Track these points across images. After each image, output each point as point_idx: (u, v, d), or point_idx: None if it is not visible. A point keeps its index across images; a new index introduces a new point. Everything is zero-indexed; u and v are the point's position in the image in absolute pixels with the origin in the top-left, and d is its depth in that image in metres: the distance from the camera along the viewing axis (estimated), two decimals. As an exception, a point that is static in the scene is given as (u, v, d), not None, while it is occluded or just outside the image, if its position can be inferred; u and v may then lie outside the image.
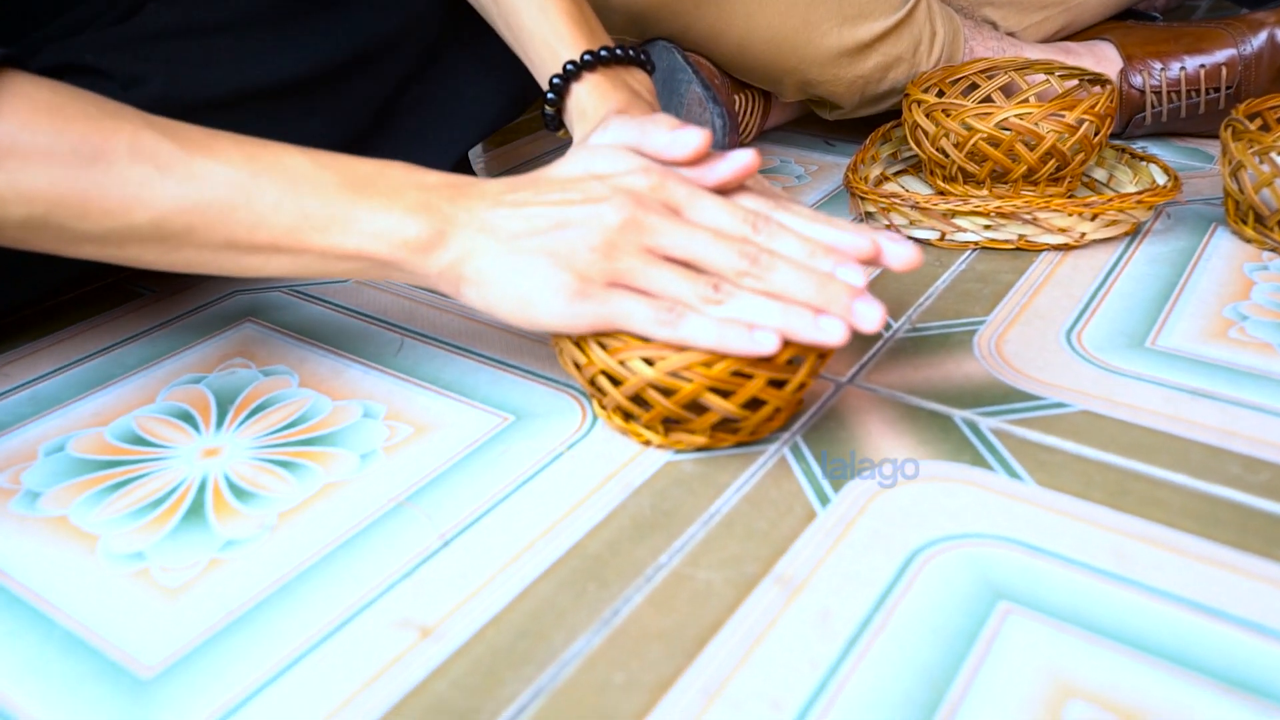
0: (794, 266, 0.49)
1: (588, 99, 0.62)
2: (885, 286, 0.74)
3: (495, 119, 0.76)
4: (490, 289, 0.50)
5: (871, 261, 0.51)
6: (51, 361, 0.66)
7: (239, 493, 0.52)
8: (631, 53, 0.65)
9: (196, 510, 0.50)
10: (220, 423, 0.58)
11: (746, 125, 0.96)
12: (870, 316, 0.47)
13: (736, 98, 0.93)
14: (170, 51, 0.65)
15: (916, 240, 0.79)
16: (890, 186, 0.89)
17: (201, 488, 0.52)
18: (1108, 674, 0.40)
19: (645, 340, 0.49)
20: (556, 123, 0.65)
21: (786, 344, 0.48)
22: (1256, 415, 0.57)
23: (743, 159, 0.52)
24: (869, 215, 0.83)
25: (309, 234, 0.50)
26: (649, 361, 0.48)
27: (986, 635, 0.42)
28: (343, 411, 0.59)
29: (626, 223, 0.49)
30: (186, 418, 0.59)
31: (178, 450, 0.55)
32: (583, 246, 0.48)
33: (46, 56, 0.65)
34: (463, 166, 0.79)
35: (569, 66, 0.63)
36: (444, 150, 0.75)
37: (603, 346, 0.50)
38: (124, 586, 0.46)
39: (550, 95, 0.64)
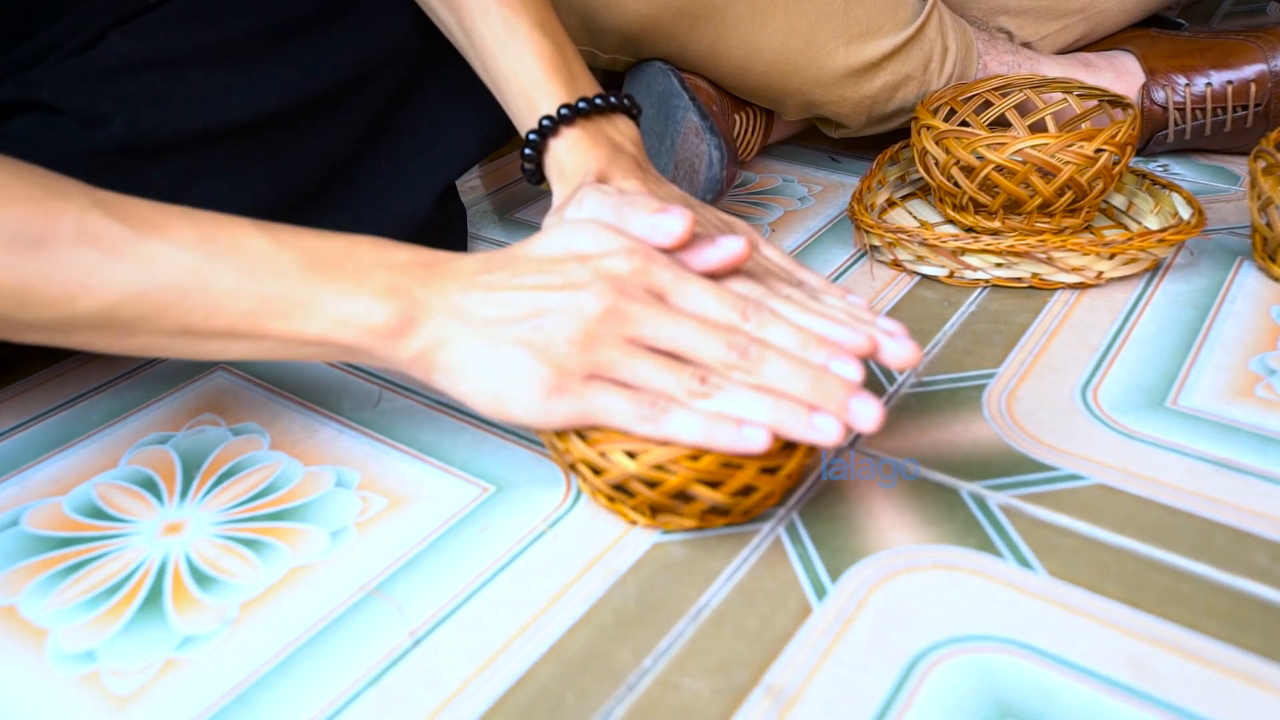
0: (786, 359, 0.47)
1: (566, 156, 0.60)
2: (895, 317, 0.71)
3: (479, 150, 0.74)
4: (462, 380, 0.48)
5: (868, 357, 0.48)
6: (13, 416, 0.64)
7: (200, 578, 0.49)
8: (614, 100, 0.62)
9: (154, 600, 0.48)
10: (185, 492, 0.56)
11: (748, 144, 0.94)
12: (867, 415, 0.45)
13: (736, 117, 0.91)
14: (133, 87, 0.63)
15: (925, 276, 0.77)
16: (897, 213, 0.87)
17: (161, 571, 0.50)
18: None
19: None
20: (537, 177, 0.63)
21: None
22: None
23: (733, 248, 0.50)
24: (874, 248, 0.81)
25: (269, 320, 0.47)
26: (631, 454, 0.46)
27: (992, 765, 0.39)
28: (315, 479, 0.57)
29: (607, 312, 0.46)
30: (150, 485, 0.57)
31: (138, 526, 0.53)
32: (560, 337, 0.46)
33: (1, 92, 0.63)
34: (449, 196, 0.76)
35: (545, 122, 0.61)
36: (426, 183, 0.74)
37: (582, 437, 0.48)
38: (72, 694, 0.43)
39: (527, 151, 0.61)
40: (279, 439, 0.60)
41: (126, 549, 0.51)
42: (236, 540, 0.52)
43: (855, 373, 0.47)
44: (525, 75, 0.62)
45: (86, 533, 0.53)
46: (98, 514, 0.54)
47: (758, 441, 0.44)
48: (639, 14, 0.80)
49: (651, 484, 0.47)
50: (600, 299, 0.46)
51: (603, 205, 0.52)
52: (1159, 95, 0.92)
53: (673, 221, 0.49)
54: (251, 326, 0.47)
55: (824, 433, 0.44)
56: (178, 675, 0.44)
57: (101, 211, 0.46)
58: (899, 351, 0.48)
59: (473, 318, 0.47)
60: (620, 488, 0.50)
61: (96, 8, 0.68)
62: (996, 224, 0.79)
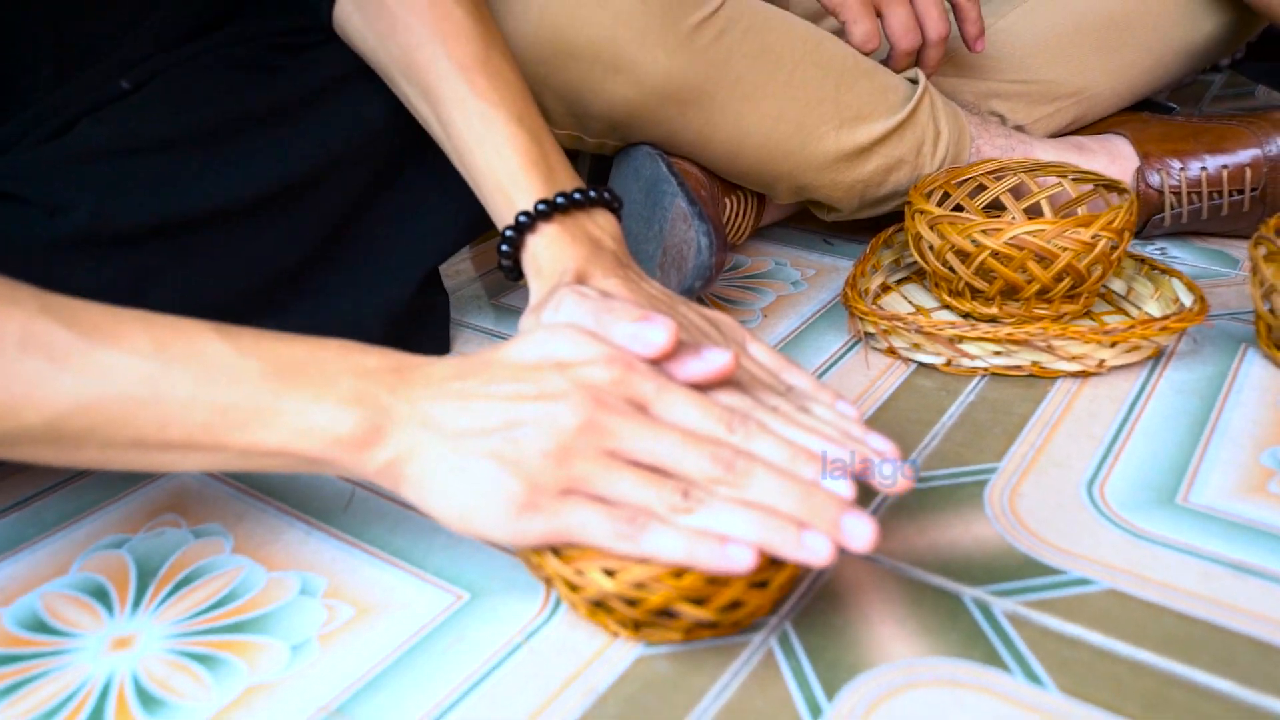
0: (774, 473, 0.45)
1: (544, 254, 0.59)
2: (890, 420, 0.70)
3: (459, 238, 0.73)
4: (430, 495, 0.46)
5: (859, 475, 0.47)
6: None
7: (147, 700, 0.46)
8: (593, 194, 0.61)
9: None
10: (139, 601, 0.53)
11: (739, 228, 0.93)
12: (861, 534, 0.43)
13: (727, 201, 0.90)
14: (101, 174, 0.62)
15: (921, 364, 0.76)
16: (892, 298, 0.86)
17: (104, 693, 0.47)
18: None
19: None
20: (515, 274, 0.61)
21: None
22: None
23: (717, 362, 0.48)
24: (868, 335, 0.79)
25: (227, 431, 0.45)
26: (609, 572, 0.44)
27: None
28: (278, 586, 0.54)
29: (584, 425, 0.45)
30: (101, 594, 0.54)
31: (84, 641, 0.50)
32: (534, 451, 0.44)
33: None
34: (430, 283, 0.76)
35: (521, 218, 0.59)
36: (406, 271, 0.73)
37: (557, 553, 0.46)
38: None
39: (504, 248, 0.60)
40: (243, 542, 0.58)
41: (68, 667, 0.48)
42: (189, 656, 0.49)
43: (847, 489, 0.45)
44: (502, 170, 0.61)
45: (27, 649, 0.50)
46: (41, 627, 0.51)
47: (743, 561, 0.42)
48: (625, 100, 0.80)
49: (631, 602, 0.45)
50: (578, 412, 0.45)
51: (581, 309, 0.50)
52: (1154, 179, 0.92)
53: (655, 332, 0.47)
54: (208, 438, 0.45)
55: (815, 552, 0.42)
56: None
57: (49, 317, 0.44)
58: (890, 476, 0.47)
59: (444, 429, 0.45)
60: (600, 604, 0.47)
61: (67, 95, 0.68)
62: (994, 310, 0.78)
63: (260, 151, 0.66)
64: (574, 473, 0.44)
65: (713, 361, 0.48)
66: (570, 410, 0.45)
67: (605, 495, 0.44)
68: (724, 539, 0.42)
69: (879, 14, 0.86)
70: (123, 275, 0.59)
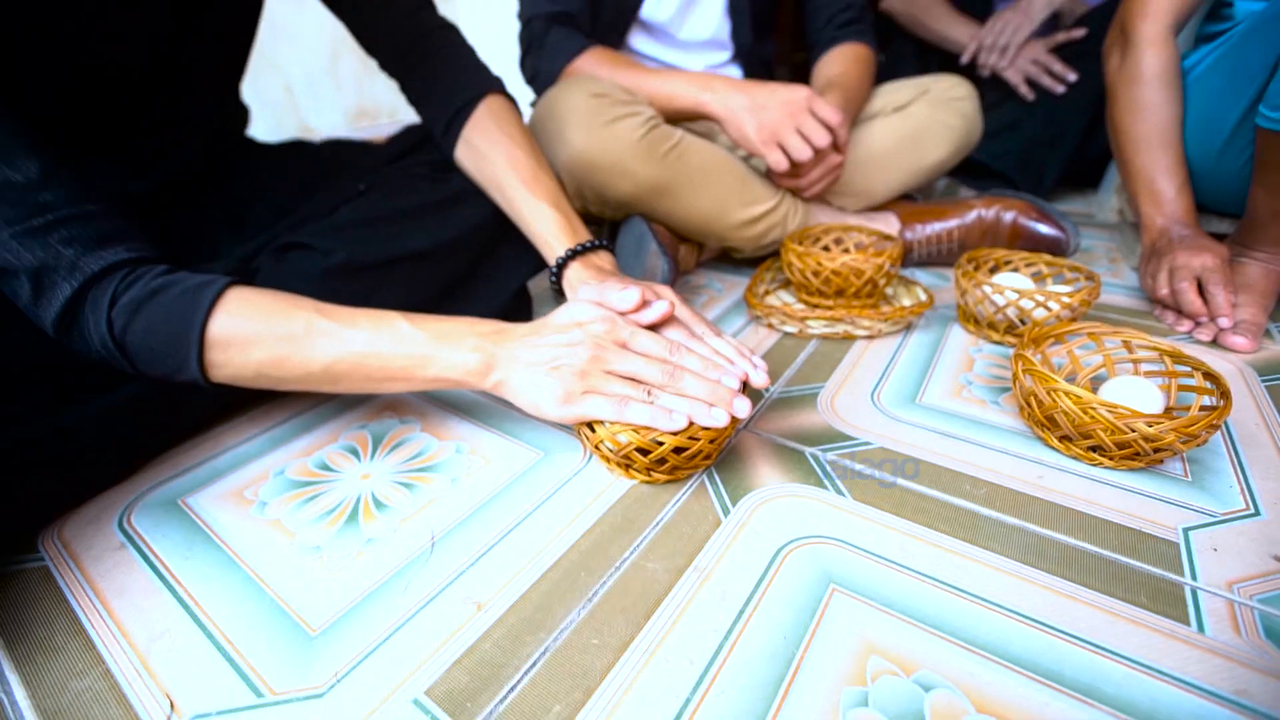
0: (696, 377, 0.45)
1: (574, 275, 0.58)
2: (769, 359, 0.68)
3: (524, 279, 0.71)
4: (517, 396, 0.46)
5: (743, 383, 0.46)
6: (286, 412, 0.60)
7: (379, 504, 0.47)
8: (596, 243, 0.60)
9: (353, 517, 0.46)
10: (373, 454, 0.53)
11: (687, 262, 0.89)
12: (741, 407, 0.44)
13: (681, 248, 0.87)
14: (353, 234, 0.60)
15: (786, 333, 0.74)
16: (771, 299, 0.83)
17: (358, 501, 0.47)
18: (895, 636, 0.35)
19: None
20: (558, 290, 0.60)
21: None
22: (977, 449, 0.52)
23: (660, 309, 0.48)
24: (758, 318, 0.77)
25: (411, 370, 0.46)
26: (611, 437, 0.44)
27: (822, 609, 0.37)
28: (443, 448, 0.54)
29: (592, 358, 0.45)
30: (354, 451, 0.53)
31: (346, 475, 0.50)
32: (567, 372, 0.45)
33: (283, 239, 0.60)
34: (520, 293, 0.73)
35: (559, 260, 0.59)
36: (507, 286, 0.69)
37: (590, 428, 0.46)
38: (308, 566, 0.41)
39: (553, 276, 0.60)
40: (426, 425, 0.57)
41: (339, 487, 0.49)
42: (399, 483, 0.49)
43: (735, 383, 0.45)
44: (548, 233, 0.60)
45: (319, 478, 0.50)
46: (325, 468, 0.51)
47: (679, 422, 0.43)
48: (627, 193, 0.77)
49: (624, 455, 0.45)
50: (588, 349, 0.45)
51: (592, 289, 0.50)
52: (909, 234, 0.89)
53: (630, 294, 0.48)
54: (402, 375, 0.46)
55: (716, 419, 0.43)
56: (364, 560, 0.42)
57: (320, 315, 0.44)
58: (759, 378, 0.47)
59: (521, 361, 0.46)
60: (609, 457, 0.47)
61: (333, 194, 0.66)
62: (829, 303, 0.75)
63: (433, 224, 0.64)
64: (588, 382, 0.45)
65: (658, 309, 0.48)
66: (584, 349, 0.45)
67: (605, 392, 0.44)
68: (669, 411, 0.43)
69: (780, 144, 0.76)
70: (360, 289, 0.58)
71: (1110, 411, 0.45)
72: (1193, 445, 0.46)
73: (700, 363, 0.46)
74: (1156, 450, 0.46)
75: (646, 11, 0.90)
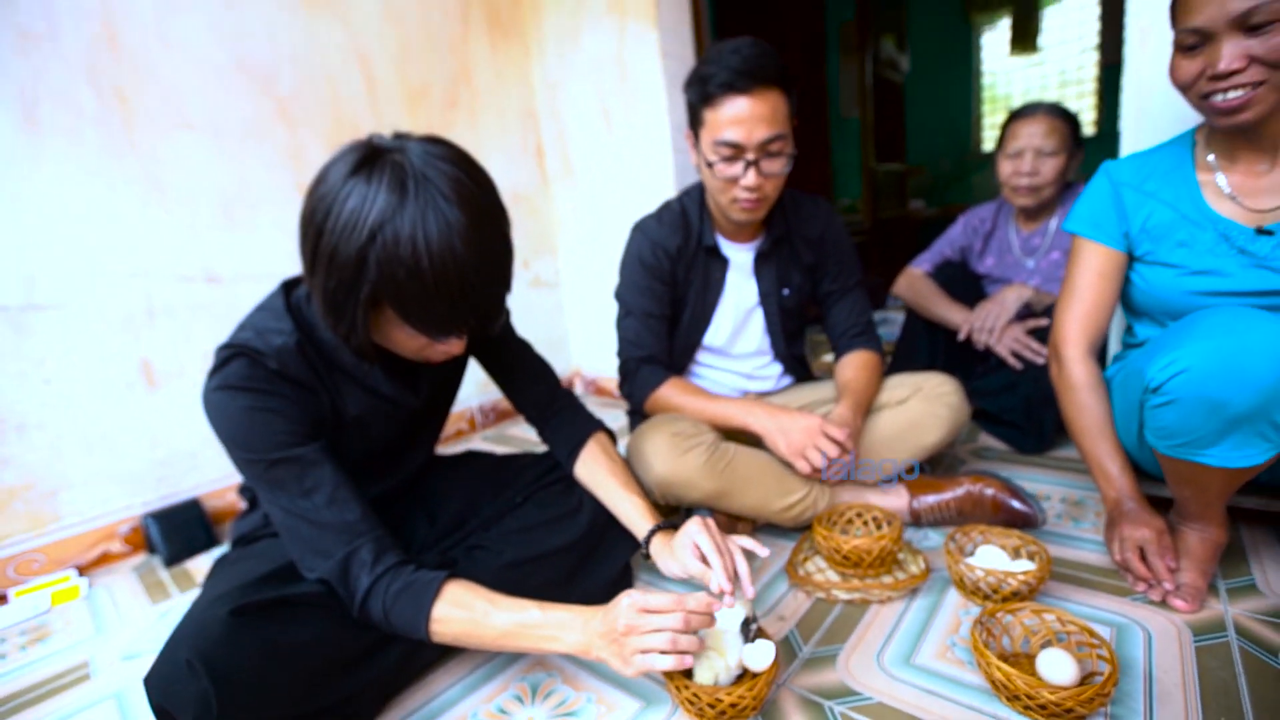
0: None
1: (657, 549, 0.80)
2: (808, 620, 0.85)
3: (626, 558, 0.90)
4: (605, 662, 0.66)
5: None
6: (472, 664, 0.84)
7: None
8: (674, 523, 0.81)
9: None
10: (533, 700, 0.76)
11: (745, 532, 1.10)
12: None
13: (737, 525, 1.08)
14: (516, 539, 0.86)
15: (818, 599, 0.93)
16: (809, 564, 1.00)
17: None
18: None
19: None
20: (648, 559, 0.82)
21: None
22: (951, 704, 0.69)
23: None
24: (794, 585, 0.96)
25: (537, 644, 0.67)
26: (680, 689, 0.67)
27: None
28: (579, 698, 0.75)
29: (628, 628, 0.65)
30: (519, 698, 0.77)
31: (516, 716, 0.74)
32: (629, 648, 0.64)
33: (472, 540, 0.88)
34: (624, 572, 0.93)
35: (647, 539, 0.81)
36: (612, 569, 0.91)
37: (669, 680, 0.68)
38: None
39: (644, 553, 0.81)
40: (565, 678, 0.78)
41: None
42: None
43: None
44: (635, 518, 0.83)
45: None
46: (502, 711, 0.74)
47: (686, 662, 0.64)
48: (696, 499, 0.99)
49: (695, 705, 0.67)
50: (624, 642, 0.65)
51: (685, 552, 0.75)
52: (916, 504, 1.09)
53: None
54: (532, 645, 0.67)
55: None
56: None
57: (490, 604, 0.67)
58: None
59: (606, 643, 0.66)
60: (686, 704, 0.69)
61: (500, 503, 0.94)
62: (852, 571, 0.93)
63: (567, 526, 0.89)
64: (633, 644, 0.64)
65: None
66: (626, 627, 0.65)
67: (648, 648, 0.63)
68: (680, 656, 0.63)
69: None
70: (522, 576, 0.79)
71: (1024, 682, 0.67)
72: (1096, 707, 0.66)
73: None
74: (1068, 712, 0.66)
75: (708, 340, 1.24)
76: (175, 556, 1.31)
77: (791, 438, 1.01)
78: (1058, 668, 0.70)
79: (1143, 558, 0.87)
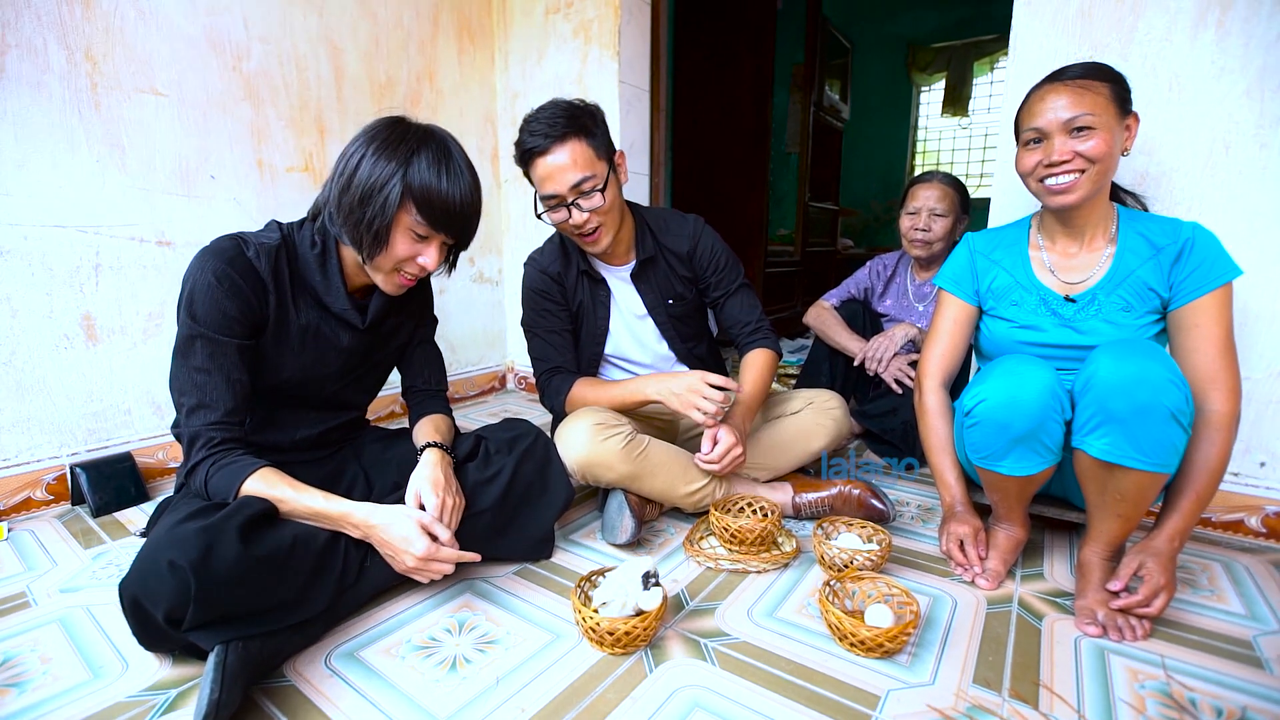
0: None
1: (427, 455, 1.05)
2: (697, 582, 1.05)
3: (548, 525, 1.09)
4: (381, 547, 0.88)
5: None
6: (414, 599, 0.99)
7: (466, 660, 0.86)
8: (439, 445, 1.04)
9: (453, 666, 0.85)
10: (460, 633, 0.93)
11: (650, 516, 1.28)
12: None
13: (647, 506, 1.25)
14: (484, 523, 1.05)
15: (708, 567, 1.13)
16: (703, 543, 1.19)
17: (454, 659, 0.87)
18: (717, 725, 0.74)
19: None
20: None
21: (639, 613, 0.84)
22: (796, 643, 0.90)
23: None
24: (691, 556, 1.17)
25: (335, 524, 0.89)
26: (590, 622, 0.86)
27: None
28: (497, 630, 0.93)
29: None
30: (449, 630, 0.93)
31: (446, 644, 0.90)
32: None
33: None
34: (547, 538, 1.12)
35: (421, 449, 1.04)
36: (530, 537, 1.10)
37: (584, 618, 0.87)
38: (431, 690, 0.81)
39: (417, 455, 1.07)
40: (488, 618, 0.96)
41: (443, 649, 0.88)
42: (476, 650, 0.89)
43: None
44: (421, 439, 1.05)
45: (430, 645, 0.89)
46: (433, 639, 0.90)
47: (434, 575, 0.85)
48: (612, 479, 1.15)
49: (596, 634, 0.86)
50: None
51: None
52: (798, 499, 1.31)
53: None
54: (330, 524, 0.88)
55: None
56: (463, 688, 0.82)
57: (290, 488, 0.87)
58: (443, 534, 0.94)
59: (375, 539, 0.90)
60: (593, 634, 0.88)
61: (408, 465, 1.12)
62: (738, 547, 1.12)
63: (487, 489, 1.04)
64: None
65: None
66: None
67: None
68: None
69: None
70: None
71: (850, 623, 0.89)
72: (901, 644, 0.89)
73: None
74: (880, 646, 0.89)
75: (609, 350, 1.39)
76: (104, 507, 1.36)
77: (680, 395, 1.15)
78: (879, 617, 0.93)
79: (962, 548, 1.13)
